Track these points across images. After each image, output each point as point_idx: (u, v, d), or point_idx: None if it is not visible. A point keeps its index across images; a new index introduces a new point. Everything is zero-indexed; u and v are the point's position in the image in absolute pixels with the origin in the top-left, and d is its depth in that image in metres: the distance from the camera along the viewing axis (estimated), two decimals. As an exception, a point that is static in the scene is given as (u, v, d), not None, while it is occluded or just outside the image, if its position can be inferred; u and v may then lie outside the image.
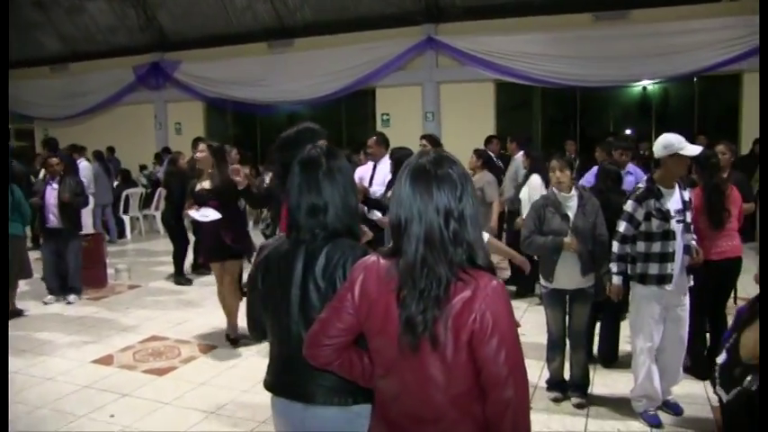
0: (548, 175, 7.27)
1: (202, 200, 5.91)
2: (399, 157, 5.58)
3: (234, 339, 6.00)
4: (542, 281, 4.63)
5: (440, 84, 13.31)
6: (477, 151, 7.98)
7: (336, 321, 1.92)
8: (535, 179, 6.85)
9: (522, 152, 7.85)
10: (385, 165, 6.51)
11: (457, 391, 1.76)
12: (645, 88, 13.02)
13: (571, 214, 4.46)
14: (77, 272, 7.81)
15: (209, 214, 5.79)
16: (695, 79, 12.17)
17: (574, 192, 4.53)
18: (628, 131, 12.90)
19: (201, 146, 6.07)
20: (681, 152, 4.05)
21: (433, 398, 1.77)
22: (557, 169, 4.54)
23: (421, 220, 1.76)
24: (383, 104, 13.92)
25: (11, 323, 6.89)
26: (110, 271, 8.89)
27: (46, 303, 7.71)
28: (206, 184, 5.95)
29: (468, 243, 1.77)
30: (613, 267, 4.29)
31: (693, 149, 4.09)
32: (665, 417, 4.34)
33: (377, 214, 6.02)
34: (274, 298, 2.24)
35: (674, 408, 4.41)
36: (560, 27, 12.08)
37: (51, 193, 7.56)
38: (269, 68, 14.18)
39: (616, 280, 4.29)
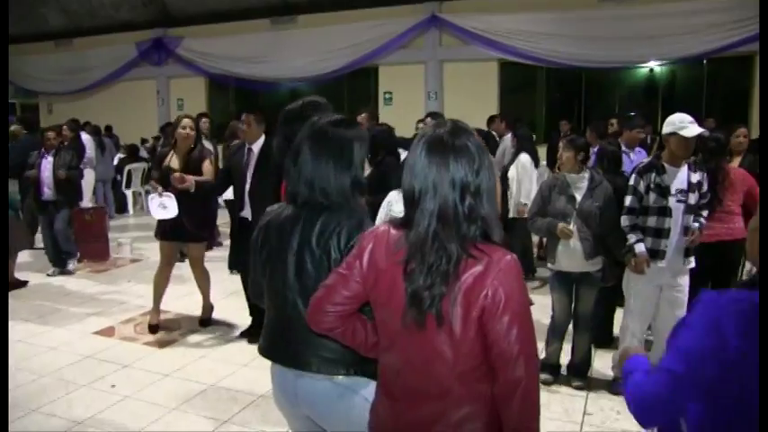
0: (536, 155, 7.28)
1: (167, 178, 5.43)
2: (375, 135, 5.50)
3: (205, 320, 5.97)
4: (548, 263, 4.64)
5: (443, 62, 13.24)
6: (476, 131, 7.78)
7: (342, 289, 1.89)
8: (524, 157, 6.87)
9: (510, 133, 7.81)
10: None
11: (464, 368, 1.72)
12: (651, 70, 12.92)
13: (579, 196, 4.45)
14: (66, 237, 7.83)
15: (168, 206, 5.41)
16: (704, 61, 12.06)
17: (585, 174, 4.51)
18: (631, 114, 12.83)
19: (186, 121, 5.67)
20: (679, 132, 4.07)
21: (439, 373, 1.74)
22: (560, 149, 4.57)
23: (435, 194, 1.71)
24: (386, 82, 13.87)
25: (14, 293, 6.98)
26: (112, 245, 8.94)
27: (49, 275, 7.77)
28: (175, 162, 5.58)
29: (483, 218, 1.72)
30: (631, 238, 4.26)
31: (691, 131, 4.08)
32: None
33: None
34: (272, 263, 2.25)
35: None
36: (566, 6, 11.97)
37: (46, 166, 7.59)
38: (271, 45, 14.12)
39: (638, 248, 4.23)
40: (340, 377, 2.14)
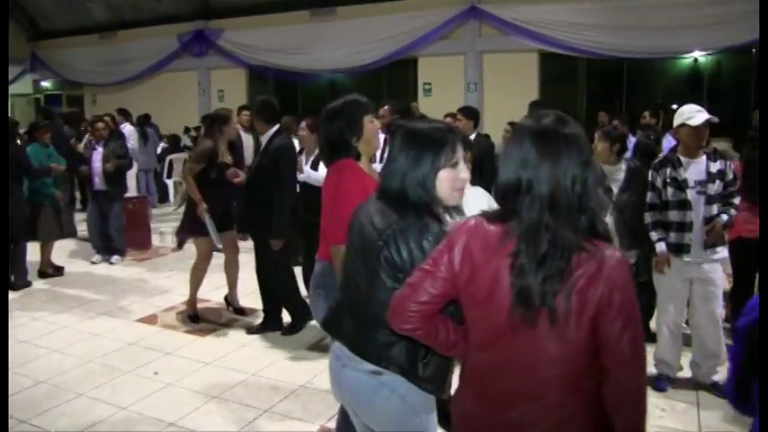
0: None
1: (221, 174, 5.64)
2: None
3: (239, 308, 6.08)
4: None
5: (483, 53, 13.11)
6: (512, 124, 7.73)
7: (429, 286, 1.81)
8: None
9: None
10: None
11: (571, 368, 1.69)
12: (696, 60, 12.61)
13: (615, 188, 4.40)
14: (120, 233, 8.04)
15: (211, 228, 5.59)
16: (753, 50, 11.71)
17: (622, 165, 4.45)
18: (674, 107, 12.56)
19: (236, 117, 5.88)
20: (687, 122, 4.04)
21: (545, 372, 1.69)
22: (595, 140, 4.53)
23: (547, 184, 1.67)
24: (425, 74, 13.78)
25: (59, 281, 7.17)
26: (153, 234, 9.09)
27: (94, 263, 7.95)
28: (228, 158, 5.78)
29: (592, 211, 1.69)
30: (653, 236, 4.24)
31: (697, 120, 4.02)
32: (711, 399, 4.24)
33: None
34: (351, 244, 2.31)
35: (723, 390, 4.33)
36: (607, -4, 11.76)
37: (96, 157, 7.77)
38: (311, 36, 14.12)
39: (659, 247, 4.22)
40: (381, 373, 2.14)
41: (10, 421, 4.03)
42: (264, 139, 5.37)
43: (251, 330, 5.58)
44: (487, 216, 1.80)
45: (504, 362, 1.75)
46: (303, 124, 5.96)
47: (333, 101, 3.23)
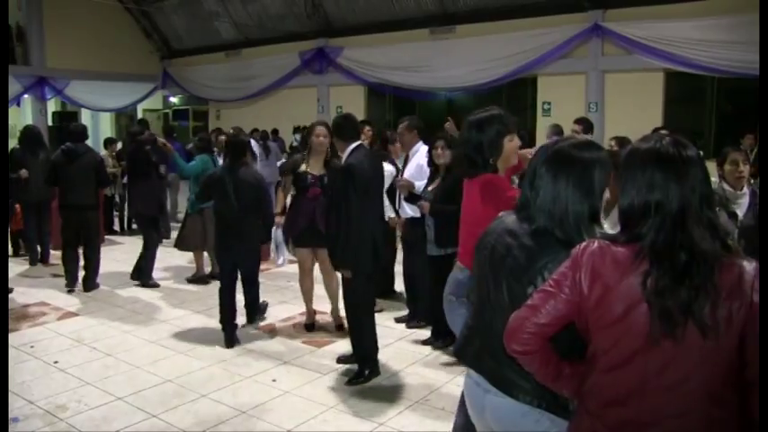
0: None
1: (304, 184, 5.62)
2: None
3: (340, 326, 5.90)
4: None
5: (605, 72, 12.77)
6: (618, 140, 7.47)
7: (551, 308, 1.81)
8: None
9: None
10: (420, 155, 5.93)
11: (718, 382, 1.65)
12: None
13: (740, 213, 4.15)
14: None
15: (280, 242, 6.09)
16: None
17: (746, 189, 4.21)
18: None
19: (320, 129, 5.67)
20: None
21: (689, 388, 1.66)
22: (739, 161, 4.24)
23: (677, 203, 1.70)
24: (545, 93, 13.55)
25: (180, 285, 7.48)
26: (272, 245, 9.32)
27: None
28: (315, 169, 5.64)
29: (717, 227, 1.71)
30: None
31: None
32: None
33: (407, 211, 5.88)
34: (481, 271, 2.24)
35: None
36: (739, 10, 11.09)
37: None
38: (430, 55, 14.21)
39: None
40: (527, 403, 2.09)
41: (141, 414, 4.25)
42: (344, 158, 4.92)
43: (340, 360, 5.25)
44: (610, 239, 1.81)
45: (641, 381, 1.70)
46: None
47: (472, 115, 3.26)
